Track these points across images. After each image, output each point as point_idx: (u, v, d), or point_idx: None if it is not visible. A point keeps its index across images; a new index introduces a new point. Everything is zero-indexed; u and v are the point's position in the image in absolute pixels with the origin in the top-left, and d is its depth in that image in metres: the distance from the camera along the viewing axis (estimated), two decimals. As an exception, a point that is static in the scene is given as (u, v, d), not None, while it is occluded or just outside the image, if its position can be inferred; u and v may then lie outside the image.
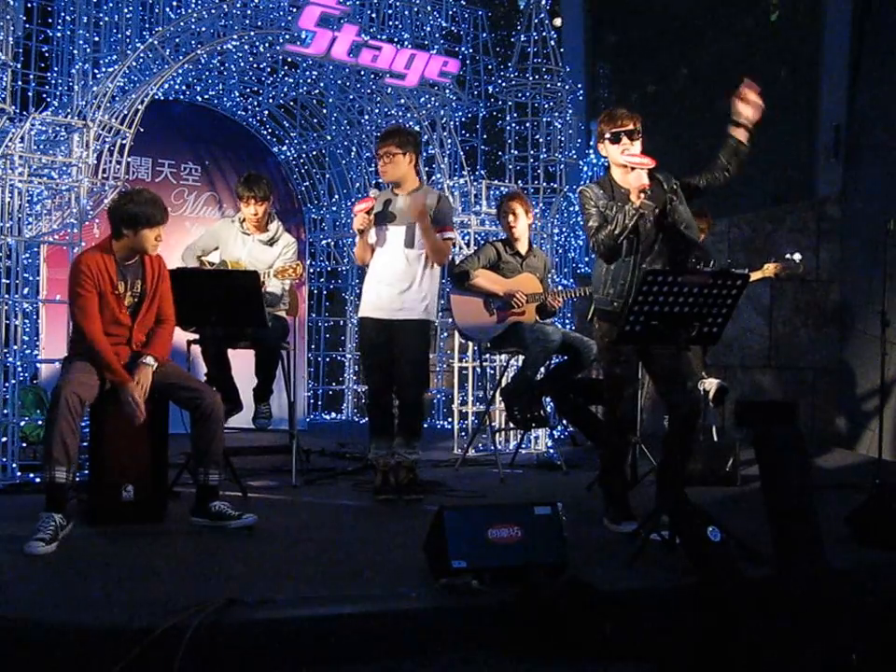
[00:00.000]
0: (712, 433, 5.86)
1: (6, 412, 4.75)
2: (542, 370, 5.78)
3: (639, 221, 3.93)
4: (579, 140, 7.80)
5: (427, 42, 7.38)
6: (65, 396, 3.62)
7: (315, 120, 7.93)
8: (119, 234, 3.91)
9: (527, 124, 7.47)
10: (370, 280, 4.78)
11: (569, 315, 7.26)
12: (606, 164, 4.25)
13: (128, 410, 3.82)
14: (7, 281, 4.83)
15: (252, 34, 6.16)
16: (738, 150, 4.01)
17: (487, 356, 6.26)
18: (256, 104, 7.73)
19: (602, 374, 4.37)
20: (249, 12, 6.10)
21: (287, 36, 6.22)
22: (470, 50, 7.85)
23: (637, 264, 3.97)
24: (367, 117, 7.52)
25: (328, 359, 8.59)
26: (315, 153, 8.11)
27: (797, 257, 5.78)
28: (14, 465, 4.73)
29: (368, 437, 4.86)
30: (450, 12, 7.77)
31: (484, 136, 8.00)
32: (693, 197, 4.11)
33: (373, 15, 7.07)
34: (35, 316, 5.93)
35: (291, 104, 7.83)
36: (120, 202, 3.93)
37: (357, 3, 6.90)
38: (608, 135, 4.04)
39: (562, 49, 7.70)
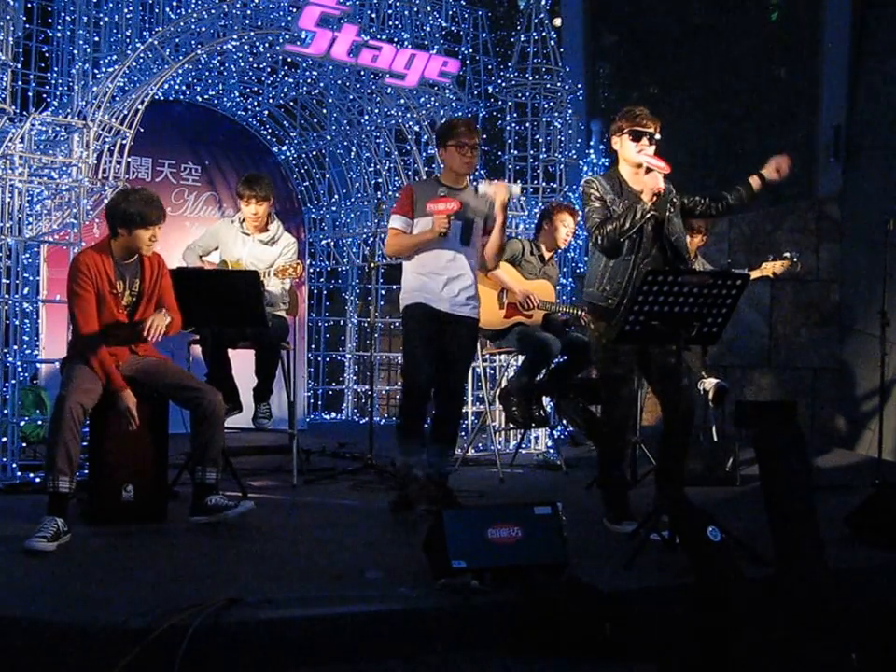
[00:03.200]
0: (712, 433, 5.87)
1: (6, 412, 4.74)
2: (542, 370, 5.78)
3: (648, 222, 3.94)
4: (579, 140, 7.80)
5: (426, 42, 7.38)
6: (69, 406, 3.62)
7: (315, 120, 7.93)
8: (115, 233, 3.92)
9: (527, 124, 7.46)
10: (421, 270, 4.38)
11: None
12: (608, 161, 4.25)
13: (122, 418, 3.84)
14: (7, 281, 4.82)
15: (252, 34, 6.15)
16: (743, 200, 4.08)
17: (487, 356, 6.27)
18: (256, 104, 7.73)
19: (600, 374, 4.37)
20: (249, 12, 6.10)
21: (286, 36, 6.22)
22: (470, 50, 7.85)
23: (636, 264, 3.97)
24: (367, 117, 7.52)
25: (328, 359, 8.58)
26: (315, 153, 8.11)
27: (795, 256, 5.80)
28: (14, 465, 4.73)
29: (398, 441, 4.40)
30: (450, 12, 7.76)
31: (484, 136, 7.99)
32: (688, 216, 4.17)
33: (373, 15, 7.06)
34: (35, 316, 5.92)
35: (291, 104, 7.82)
36: (116, 200, 3.93)
37: (357, 3, 6.90)
38: (628, 131, 4.03)
39: (562, 49, 7.69)
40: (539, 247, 5.80)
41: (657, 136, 4.05)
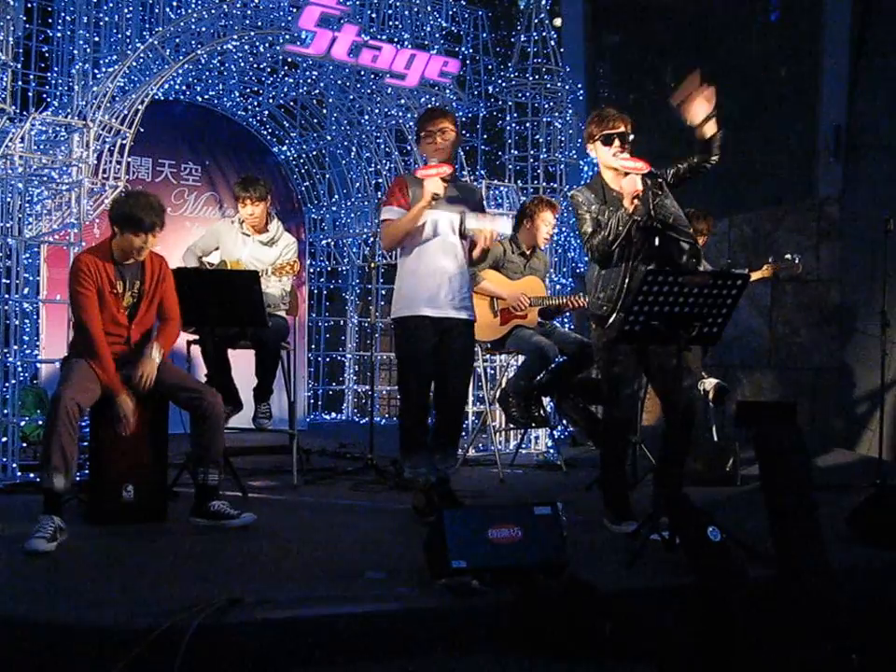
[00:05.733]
0: (712, 433, 5.87)
1: (6, 412, 4.75)
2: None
3: (632, 227, 3.92)
4: (579, 140, 7.79)
5: (427, 42, 7.38)
6: (65, 403, 3.62)
7: (315, 120, 7.93)
8: (114, 233, 3.94)
9: (527, 124, 7.47)
10: (417, 272, 4.22)
11: (569, 314, 7.25)
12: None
13: (117, 422, 3.83)
14: (7, 281, 4.83)
15: (252, 34, 6.16)
16: (709, 144, 3.88)
17: (487, 356, 6.27)
18: (256, 104, 7.73)
19: (601, 374, 4.36)
20: (249, 12, 6.10)
21: (286, 36, 6.22)
22: (470, 50, 7.85)
23: (630, 269, 3.96)
24: (367, 117, 7.52)
25: (328, 359, 8.59)
26: (315, 153, 8.11)
27: (796, 258, 5.81)
28: (14, 465, 4.73)
29: (403, 455, 4.31)
30: (450, 12, 7.77)
31: (484, 136, 8.00)
32: (682, 183, 4.05)
33: (373, 15, 7.07)
34: (35, 316, 5.93)
35: (291, 104, 7.83)
36: (117, 200, 3.95)
37: (357, 3, 6.90)
38: (599, 137, 4.00)
39: (562, 49, 7.70)
40: (518, 244, 5.76)
41: (630, 135, 3.98)
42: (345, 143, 7.92)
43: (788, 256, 5.88)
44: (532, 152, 7.43)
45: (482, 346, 5.84)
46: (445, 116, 4.32)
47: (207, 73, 7.04)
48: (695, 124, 3.83)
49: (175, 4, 6.34)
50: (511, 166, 7.51)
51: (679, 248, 3.97)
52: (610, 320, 3.95)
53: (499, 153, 7.86)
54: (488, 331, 5.57)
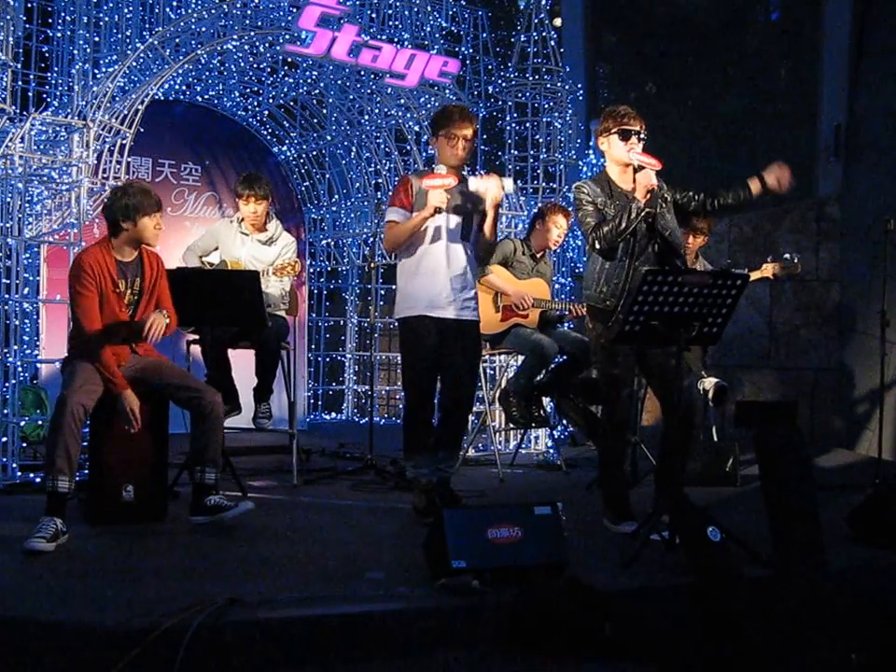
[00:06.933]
0: (712, 433, 5.87)
1: (6, 412, 4.74)
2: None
3: (644, 219, 3.92)
4: (578, 140, 7.80)
5: (427, 42, 7.38)
6: (71, 406, 3.62)
7: (315, 120, 7.93)
8: (117, 230, 3.92)
9: (527, 124, 7.47)
10: (419, 274, 4.22)
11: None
12: (605, 163, 4.22)
13: (124, 419, 3.84)
14: (7, 281, 4.82)
15: (252, 34, 6.15)
16: (742, 202, 4.02)
17: (487, 356, 6.27)
18: (256, 104, 7.73)
19: (599, 374, 4.36)
20: (249, 12, 6.10)
21: (286, 36, 6.22)
22: (470, 50, 7.85)
23: (632, 264, 3.96)
24: (367, 117, 7.52)
25: (328, 359, 8.59)
26: (315, 153, 8.11)
27: (796, 257, 5.81)
28: (14, 465, 4.72)
29: (407, 455, 4.33)
30: (450, 12, 7.77)
31: (484, 136, 7.99)
32: (681, 212, 4.12)
33: (373, 15, 7.07)
34: (35, 316, 5.93)
35: (291, 104, 7.82)
36: (114, 197, 3.94)
37: (357, 3, 6.90)
38: (615, 131, 4.00)
39: (562, 49, 7.69)
40: (530, 247, 5.82)
41: (644, 135, 4.03)
42: (345, 143, 7.92)
43: (787, 255, 5.88)
44: (532, 152, 7.43)
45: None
46: (472, 121, 4.26)
47: (207, 73, 7.04)
48: (766, 181, 4.02)
49: (175, 4, 6.34)
50: (510, 166, 7.50)
51: (670, 257, 4.01)
52: (615, 317, 3.94)
53: (499, 153, 7.86)
54: (487, 325, 5.57)
